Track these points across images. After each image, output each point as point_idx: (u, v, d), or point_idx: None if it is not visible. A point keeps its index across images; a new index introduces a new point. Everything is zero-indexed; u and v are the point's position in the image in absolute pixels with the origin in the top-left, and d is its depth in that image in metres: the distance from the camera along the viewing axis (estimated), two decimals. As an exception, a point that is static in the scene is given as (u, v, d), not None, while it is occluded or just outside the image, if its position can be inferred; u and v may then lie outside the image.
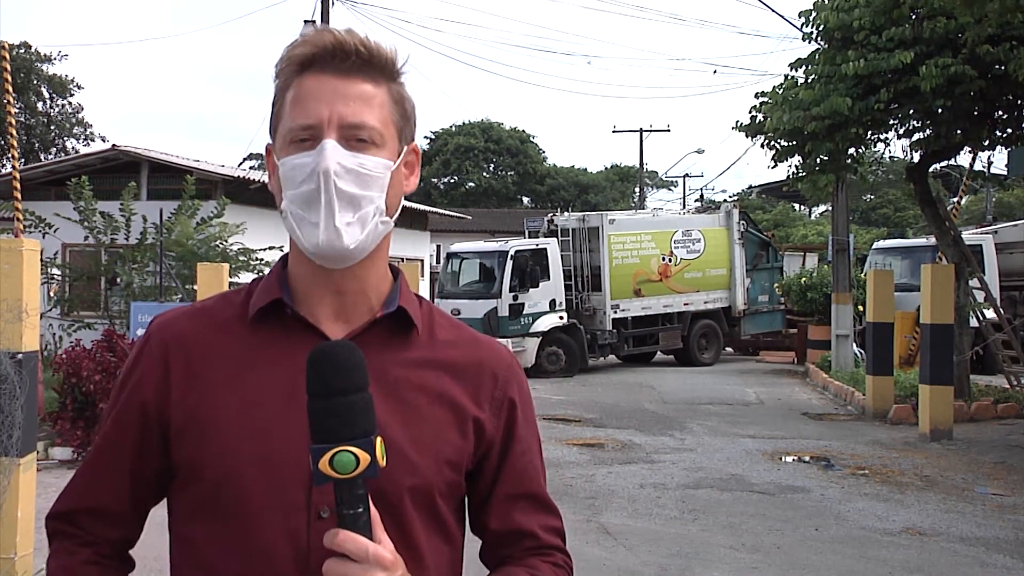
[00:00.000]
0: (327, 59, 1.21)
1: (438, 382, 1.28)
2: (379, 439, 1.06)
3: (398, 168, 1.26)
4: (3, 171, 21.17)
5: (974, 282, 12.63)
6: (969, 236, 15.85)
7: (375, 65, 1.24)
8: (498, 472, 1.32)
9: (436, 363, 1.29)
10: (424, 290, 23.77)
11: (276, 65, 1.26)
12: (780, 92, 11.67)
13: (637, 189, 48.15)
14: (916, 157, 12.67)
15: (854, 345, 15.89)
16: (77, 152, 32.12)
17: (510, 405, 1.33)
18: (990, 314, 13.57)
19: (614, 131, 42.36)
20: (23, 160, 23.38)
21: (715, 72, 57.16)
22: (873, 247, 19.76)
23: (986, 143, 12.13)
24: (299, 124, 1.20)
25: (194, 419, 1.22)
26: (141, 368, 1.27)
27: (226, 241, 13.72)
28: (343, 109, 1.20)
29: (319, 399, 1.06)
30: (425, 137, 51.38)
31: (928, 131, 11.81)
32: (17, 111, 30.16)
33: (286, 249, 1.31)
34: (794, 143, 11.67)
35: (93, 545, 1.27)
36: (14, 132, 10.67)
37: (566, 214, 19.75)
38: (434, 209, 28.81)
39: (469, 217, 32.07)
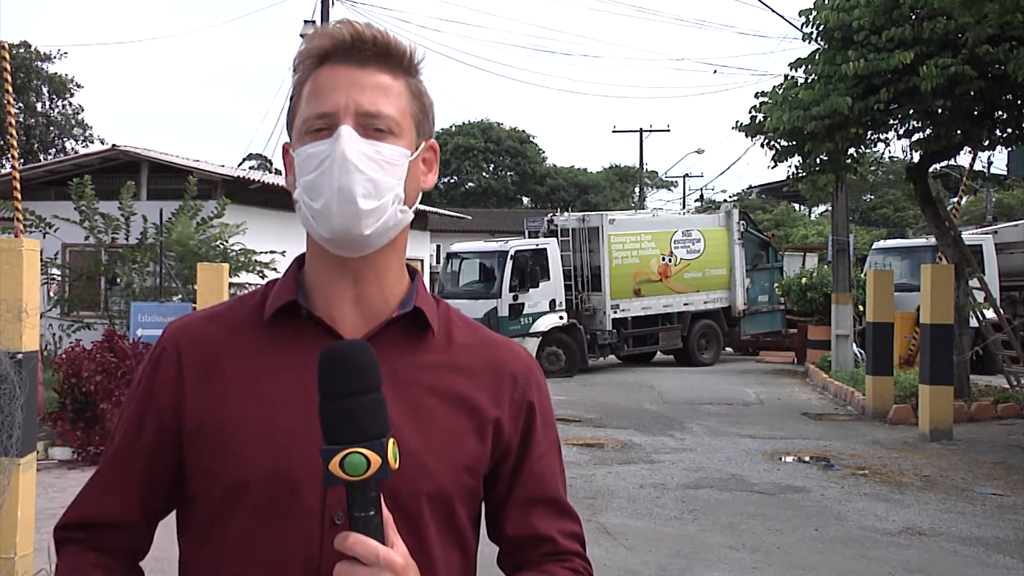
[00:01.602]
0: (345, 51, 1.20)
1: (455, 385, 1.25)
2: (391, 441, 1.04)
3: (416, 160, 1.24)
4: (3, 171, 21.16)
5: (974, 282, 12.63)
6: (969, 236, 15.84)
7: (393, 57, 1.23)
8: (516, 476, 1.28)
9: (453, 366, 1.26)
10: (424, 290, 23.66)
11: (294, 59, 1.24)
12: (780, 92, 11.66)
13: (637, 189, 48.18)
14: (916, 157, 12.67)
15: (854, 345, 15.88)
16: (77, 153, 32.12)
17: (529, 408, 1.29)
18: (990, 314, 13.57)
19: (614, 131, 42.46)
20: (23, 160, 23.37)
21: (715, 72, 57.42)
22: (873, 247, 19.75)
23: (986, 143, 12.14)
24: (315, 113, 1.19)
25: (208, 423, 1.19)
26: (157, 373, 1.24)
27: (227, 241, 13.73)
28: (360, 97, 1.18)
29: (330, 400, 1.04)
30: (426, 138, 51.31)
31: (928, 131, 11.80)
32: (17, 111, 30.15)
33: (290, 252, 1.29)
34: (794, 143, 11.67)
35: (102, 551, 1.24)
36: (14, 132, 10.67)
37: (566, 214, 19.74)
38: (434, 209, 28.77)
39: (469, 217, 32.02)
